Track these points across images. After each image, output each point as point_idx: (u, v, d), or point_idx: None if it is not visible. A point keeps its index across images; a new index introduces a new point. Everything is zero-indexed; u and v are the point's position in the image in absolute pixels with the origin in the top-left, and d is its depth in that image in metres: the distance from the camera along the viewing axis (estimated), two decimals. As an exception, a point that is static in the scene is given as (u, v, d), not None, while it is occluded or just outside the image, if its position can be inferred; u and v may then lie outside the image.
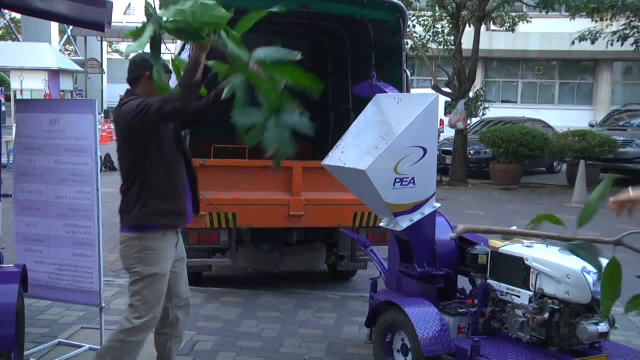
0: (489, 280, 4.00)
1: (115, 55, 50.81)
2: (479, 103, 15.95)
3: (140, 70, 3.47)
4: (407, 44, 12.72)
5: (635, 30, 15.26)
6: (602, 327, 3.51)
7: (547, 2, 14.18)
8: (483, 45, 17.58)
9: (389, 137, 4.03)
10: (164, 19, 2.63)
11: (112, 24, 4.63)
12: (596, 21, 15.45)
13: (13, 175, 4.38)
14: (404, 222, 3.99)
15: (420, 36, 16.57)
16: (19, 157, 4.37)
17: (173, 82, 3.50)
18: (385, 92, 4.49)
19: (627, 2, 14.05)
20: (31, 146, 4.27)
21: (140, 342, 3.54)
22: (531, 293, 3.71)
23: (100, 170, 4.26)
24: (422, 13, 17.27)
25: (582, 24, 16.14)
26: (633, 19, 15.00)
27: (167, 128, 3.48)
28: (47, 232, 4.27)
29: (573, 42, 16.03)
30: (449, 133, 16.34)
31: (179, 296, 3.73)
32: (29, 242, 4.34)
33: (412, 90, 8.09)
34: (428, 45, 16.52)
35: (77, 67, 19.70)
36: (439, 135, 14.64)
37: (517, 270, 3.82)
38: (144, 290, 3.46)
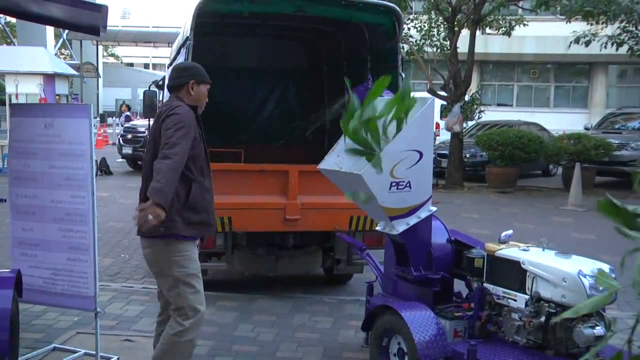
0: (485, 284, 3.99)
1: (111, 60, 50.81)
2: (475, 106, 15.98)
3: (185, 79, 3.64)
4: (403, 48, 12.75)
5: (629, 34, 15.30)
6: (599, 330, 3.51)
7: (542, 2, 14.19)
8: (479, 48, 17.59)
9: (384, 140, 4.02)
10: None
11: (108, 28, 4.62)
12: (591, 24, 15.49)
13: (8, 179, 4.37)
14: (400, 226, 3.99)
15: (416, 40, 16.60)
16: (13, 162, 4.35)
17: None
18: (381, 95, 4.48)
19: (621, 7, 14.07)
20: (26, 151, 4.25)
21: (194, 339, 3.63)
22: (527, 297, 3.70)
23: (96, 175, 4.25)
24: (418, 17, 17.29)
25: (578, 27, 16.17)
26: (627, 24, 15.04)
27: (201, 144, 3.59)
28: (43, 237, 4.25)
29: (570, 46, 16.04)
30: (445, 136, 16.35)
31: None
32: (24, 246, 4.33)
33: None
34: (424, 49, 16.54)
35: (73, 71, 19.66)
36: (434, 139, 14.72)
37: (513, 274, 3.82)
38: (184, 291, 3.55)
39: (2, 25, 26.40)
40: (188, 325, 3.55)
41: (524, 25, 17.66)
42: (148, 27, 44.36)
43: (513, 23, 17.29)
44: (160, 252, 3.55)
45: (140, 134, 16.31)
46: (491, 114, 18.29)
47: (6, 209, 4.46)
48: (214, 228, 3.82)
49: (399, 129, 3.72)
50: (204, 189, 3.63)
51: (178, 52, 6.79)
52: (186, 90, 3.63)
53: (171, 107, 3.54)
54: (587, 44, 15.68)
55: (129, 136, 16.97)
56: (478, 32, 16.40)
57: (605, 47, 15.23)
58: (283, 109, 8.28)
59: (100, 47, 38.66)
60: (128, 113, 18.40)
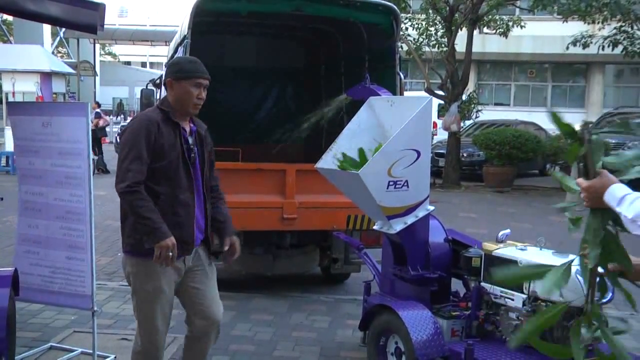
0: (482, 283, 3.99)
1: (108, 58, 50.76)
2: (472, 106, 15.99)
3: (165, 77, 3.43)
4: (401, 47, 12.76)
5: (625, 35, 15.32)
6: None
7: (540, 2, 14.18)
8: (476, 48, 17.60)
9: (382, 140, 4.02)
10: None
11: (105, 26, 4.62)
12: (589, 24, 15.49)
13: (17, 176, 4.41)
14: (397, 225, 3.99)
15: (413, 39, 16.60)
16: (19, 160, 4.39)
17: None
18: (379, 95, 4.49)
19: (620, 4, 14.06)
20: (28, 149, 4.27)
21: (160, 357, 3.41)
22: (525, 296, 3.71)
23: (93, 174, 4.24)
24: (416, 16, 17.30)
25: (575, 27, 16.18)
26: (623, 24, 15.06)
27: (173, 152, 3.26)
28: (46, 234, 4.25)
29: (568, 47, 16.04)
30: (442, 136, 16.36)
31: (205, 316, 3.40)
32: (29, 243, 4.32)
33: (406, 93, 8.10)
34: (422, 49, 16.54)
35: (70, 70, 19.63)
36: (432, 138, 14.73)
37: (510, 273, 3.81)
38: (139, 306, 3.35)
39: (-1, 23, 26.37)
40: (140, 344, 3.35)
41: (521, 27, 17.67)
42: (145, 25, 44.36)
43: (510, 24, 17.30)
44: (127, 262, 3.36)
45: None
46: (488, 114, 18.31)
47: (2, 207, 4.46)
48: (191, 246, 3.33)
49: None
50: (177, 202, 3.24)
51: (175, 51, 6.78)
52: (169, 89, 3.32)
53: (130, 122, 3.44)
54: (585, 46, 15.69)
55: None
56: (475, 32, 16.41)
57: (603, 50, 15.24)
58: (281, 108, 8.27)
59: (98, 46, 38.62)
60: (98, 110, 18.35)
